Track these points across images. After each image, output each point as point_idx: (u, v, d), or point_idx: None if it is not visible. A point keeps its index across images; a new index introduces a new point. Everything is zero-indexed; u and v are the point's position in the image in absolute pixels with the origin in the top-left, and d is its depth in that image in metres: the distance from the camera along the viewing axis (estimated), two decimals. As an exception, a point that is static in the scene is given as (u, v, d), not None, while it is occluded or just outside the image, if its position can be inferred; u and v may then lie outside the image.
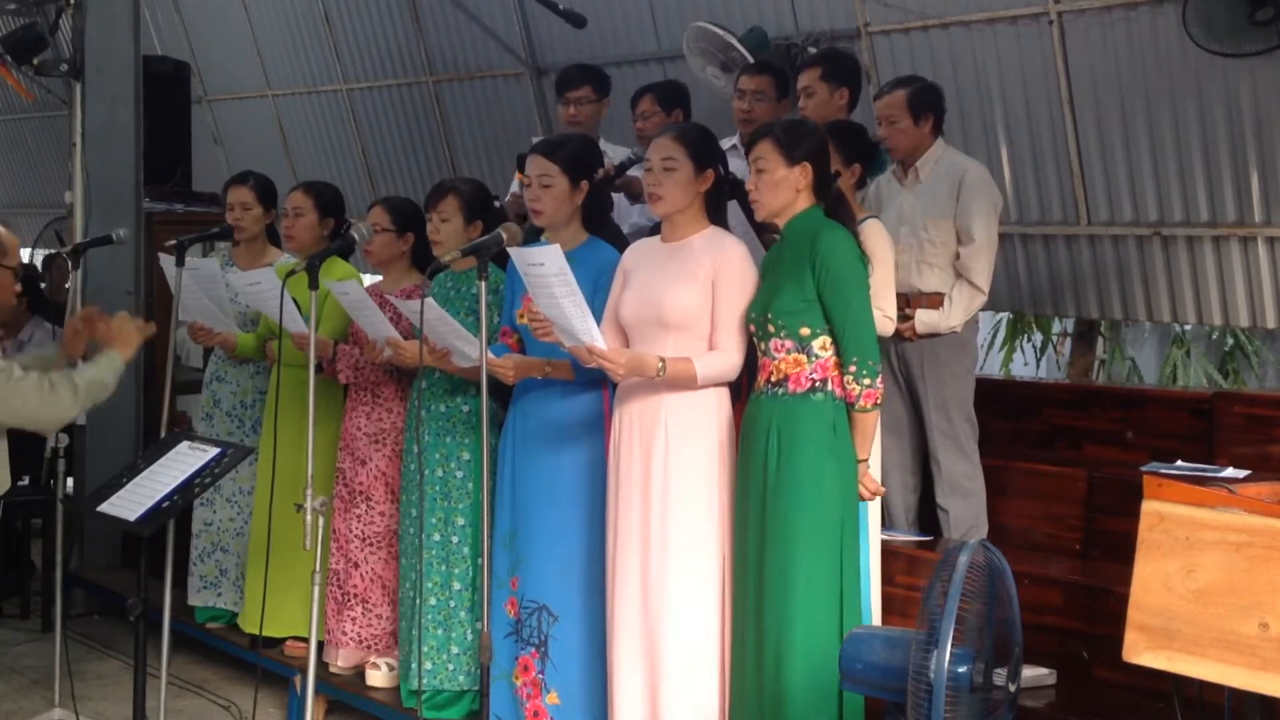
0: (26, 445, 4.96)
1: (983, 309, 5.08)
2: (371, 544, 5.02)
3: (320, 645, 4.70)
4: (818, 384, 3.84)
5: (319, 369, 4.42)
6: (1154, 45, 5.74)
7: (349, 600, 5.04)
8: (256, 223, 5.67)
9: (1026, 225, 6.41)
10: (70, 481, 6.19)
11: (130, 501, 4.23)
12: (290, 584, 5.02)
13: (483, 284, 3.74)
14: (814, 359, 3.83)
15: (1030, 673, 4.15)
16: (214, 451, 4.32)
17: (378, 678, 4.99)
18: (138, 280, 6.91)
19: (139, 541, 4.37)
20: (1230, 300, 5.94)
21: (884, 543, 4.50)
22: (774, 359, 3.87)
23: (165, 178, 8.01)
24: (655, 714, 3.97)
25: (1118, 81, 5.90)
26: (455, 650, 4.66)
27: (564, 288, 3.70)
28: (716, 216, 4.09)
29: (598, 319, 3.92)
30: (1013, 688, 3.37)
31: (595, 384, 4.25)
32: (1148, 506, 3.20)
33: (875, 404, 3.85)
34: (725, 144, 4.50)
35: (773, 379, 3.88)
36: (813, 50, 6.33)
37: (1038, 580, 4.51)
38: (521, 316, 4.23)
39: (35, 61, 6.80)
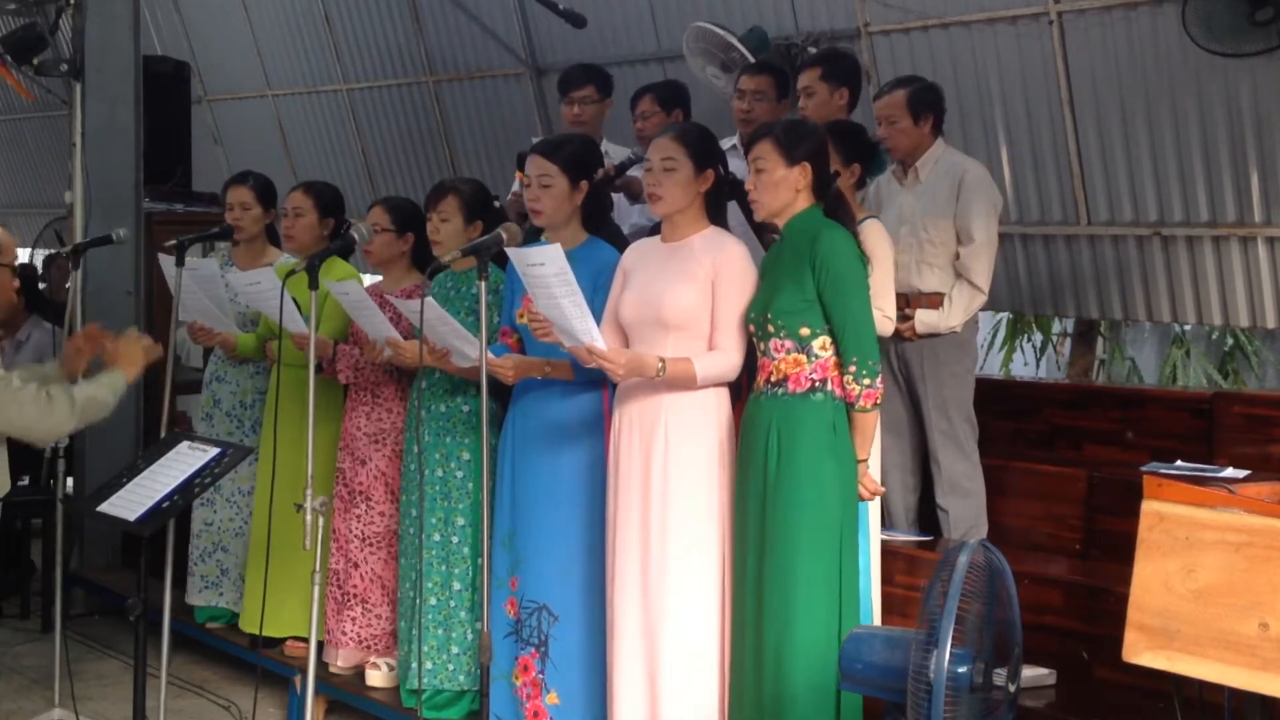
0: (27, 445, 4.96)
1: (983, 309, 5.08)
2: (371, 544, 5.02)
3: (320, 645, 4.70)
4: (818, 384, 3.83)
5: (319, 369, 4.42)
6: (1154, 45, 5.74)
7: (349, 600, 5.04)
8: (256, 223, 5.67)
9: (1026, 225, 6.41)
10: (70, 481, 6.19)
11: (130, 501, 4.22)
12: (290, 584, 5.02)
13: (483, 284, 3.74)
14: (814, 359, 3.83)
15: (1030, 673, 4.15)
16: (214, 451, 4.32)
17: (377, 678, 4.99)
18: (138, 280, 6.91)
19: (139, 541, 4.37)
20: (1230, 300, 5.94)
21: (884, 543, 4.50)
22: (774, 359, 3.87)
23: (165, 178, 8.01)
24: (655, 714, 3.97)
25: (1118, 81, 5.90)
26: (455, 650, 4.66)
27: (564, 288, 3.70)
28: (716, 217, 4.09)
29: (597, 319, 3.92)
30: (1013, 688, 3.37)
31: (595, 384, 4.25)
32: (1148, 506, 3.20)
33: (875, 404, 3.85)
34: (725, 144, 4.50)
35: (772, 379, 3.88)
36: (813, 50, 6.33)
37: (1038, 580, 4.51)
38: (521, 316, 4.23)
39: (35, 61, 6.80)
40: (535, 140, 4.82)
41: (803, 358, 3.83)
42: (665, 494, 3.96)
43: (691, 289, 3.96)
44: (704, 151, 4.03)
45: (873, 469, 4.06)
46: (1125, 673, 3.42)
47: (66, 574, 5.50)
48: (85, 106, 6.83)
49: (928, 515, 5.01)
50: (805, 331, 3.82)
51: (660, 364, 3.87)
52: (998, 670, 3.33)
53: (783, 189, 3.89)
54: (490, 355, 4.02)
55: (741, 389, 4.10)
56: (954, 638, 3.21)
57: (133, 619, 4.26)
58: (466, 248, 3.98)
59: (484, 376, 3.76)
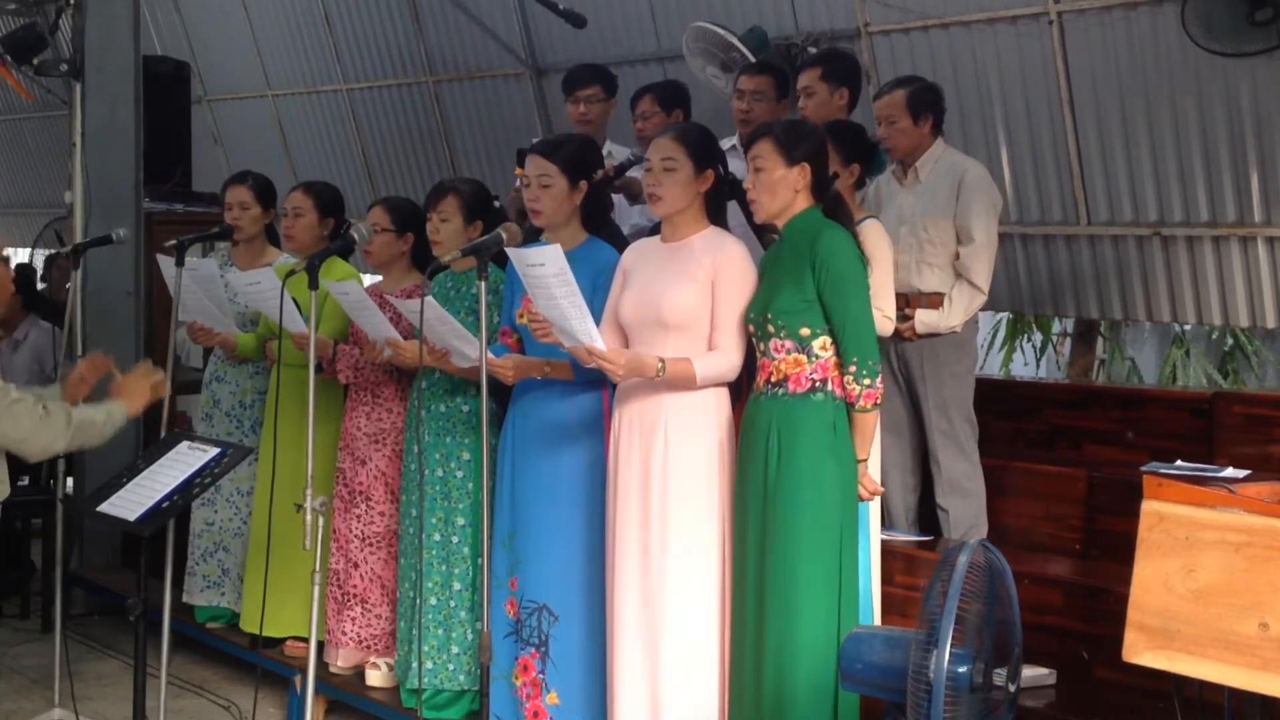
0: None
1: (983, 309, 5.08)
2: (371, 544, 5.02)
3: (320, 645, 4.70)
4: (818, 384, 3.83)
5: (319, 369, 4.42)
6: (1154, 45, 5.74)
7: (349, 600, 5.04)
8: (255, 223, 5.67)
9: (1026, 225, 6.41)
10: (70, 481, 6.20)
11: (130, 501, 4.22)
12: (290, 584, 5.02)
13: (482, 284, 3.74)
14: (814, 359, 3.83)
15: (1030, 673, 4.15)
16: (214, 451, 4.32)
17: (377, 678, 4.99)
18: (138, 280, 6.91)
19: (139, 541, 4.37)
20: (1230, 300, 5.94)
21: (884, 543, 4.49)
22: (773, 359, 3.87)
23: (165, 178, 8.01)
24: (655, 714, 3.97)
25: (1118, 81, 5.90)
26: (455, 650, 4.66)
27: (563, 288, 3.70)
28: (716, 217, 4.09)
29: (597, 319, 3.92)
30: (1013, 688, 3.37)
31: (595, 384, 4.25)
32: (1148, 506, 3.20)
33: (875, 404, 3.85)
34: (725, 144, 4.49)
35: (772, 379, 3.87)
36: (813, 50, 6.33)
37: (1038, 580, 4.51)
38: (521, 316, 4.23)
39: (35, 61, 6.79)
40: (535, 140, 4.82)
41: (803, 358, 3.83)
42: (665, 494, 3.96)
43: (691, 289, 3.96)
44: (704, 151, 4.03)
45: (872, 469, 4.06)
46: (1125, 673, 3.43)
47: (66, 574, 5.51)
48: (85, 106, 6.83)
49: (928, 515, 5.01)
50: (805, 332, 3.82)
51: (660, 364, 3.86)
52: (998, 670, 3.33)
53: (782, 189, 3.88)
54: (490, 355, 4.02)
55: (741, 389, 4.09)
56: (954, 638, 3.22)
57: (133, 619, 4.26)
58: (466, 248, 3.98)
59: (484, 376, 3.76)
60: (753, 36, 6.44)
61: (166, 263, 5.08)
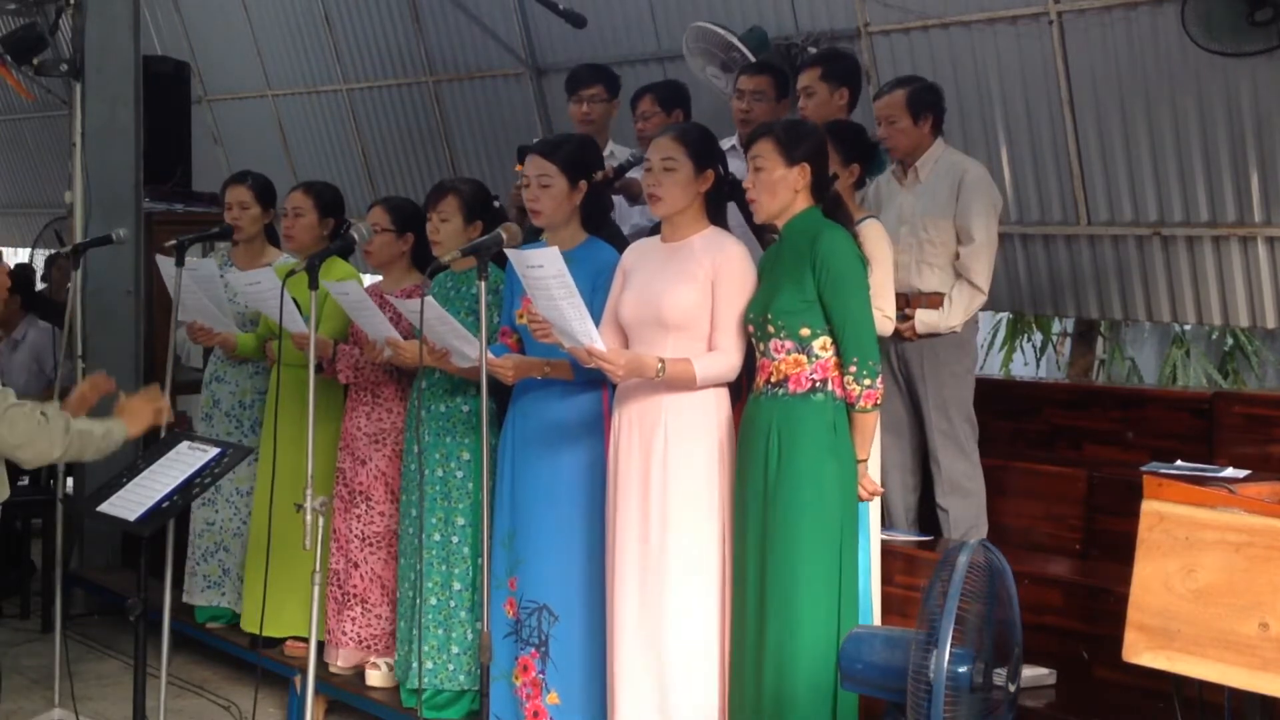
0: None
1: (983, 309, 5.08)
2: (371, 544, 5.02)
3: (320, 645, 4.70)
4: (818, 384, 3.83)
5: (319, 369, 4.42)
6: (1154, 45, 5.74)
7: (349, 600, 5.04)
8: (255, 222, 5.66)
9: (1026, 225, 6.41)
10: (70, 481, 6.20)
11: (130, 501, 4.22)
12: (290, 584, 5.02)
13: (482, 284, 3.74)
14: (814, 359, 3.83)
15: (1030, 673, 4.15)
16: (214, 451, 4.32)
17: (377, 678, 4.99)
18: (138, 280, 6.91)
19: (139, 541, 4.36)
20: (1230, 300, 5.94)
21: (884, 543, 4.50)
22: (773, 359, 3.87)
23: (165, 178, 8.01)
24: (655, 714, 3.97)
25: (1118, 81, 5.90)
26: (455, 650, 4.66)
27: (562, 290, 3.70)
28: (716, 217, 4.09)
29: (596, 319, 3.91)
30: (1013, 688, 3.37)
31: (595, 384, 4.25)
32: (1148, 506, 3.20)
33: (875, 404, 3.85)
34: (725, 144, 4.49)
35: (772, 379, 3.87)
36: (813, 50, 6.33)
37: (1038, 580, 4.51)
38: (521, 317, 4.22)
39: (35, 61, 6.79)
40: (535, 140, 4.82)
41: (803, 358, 3.83)
42: (665, 494, 3.96)
43: (691, 289, 3.96)
44: (704, 152, 4.03)
45: (872, 469, 4.06)
46: (1125, 673, 3.43)
47: (66, 574, 5.51)
48: (85, 106, 6.83)
49: (928, 515, 5.01)
50: (805, 332, 3.82)
51: (660, 364, 3.86)
52: (998, 670, 3.33)
53: (782, 189, 3.88)
54: (490, 355, 4.01)
55: (741, 389, 4.09)
56: (954, 638, 3.22)
57: (133, 619, 4.26)
58: (466, 248, 3.97)
59: (484, 376, 3.76)
60: (753, 36, 6.44)
61: (166, 263, 5.08)
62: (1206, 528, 3.09)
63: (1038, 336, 11.62)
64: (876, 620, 4.29)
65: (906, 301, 4.87)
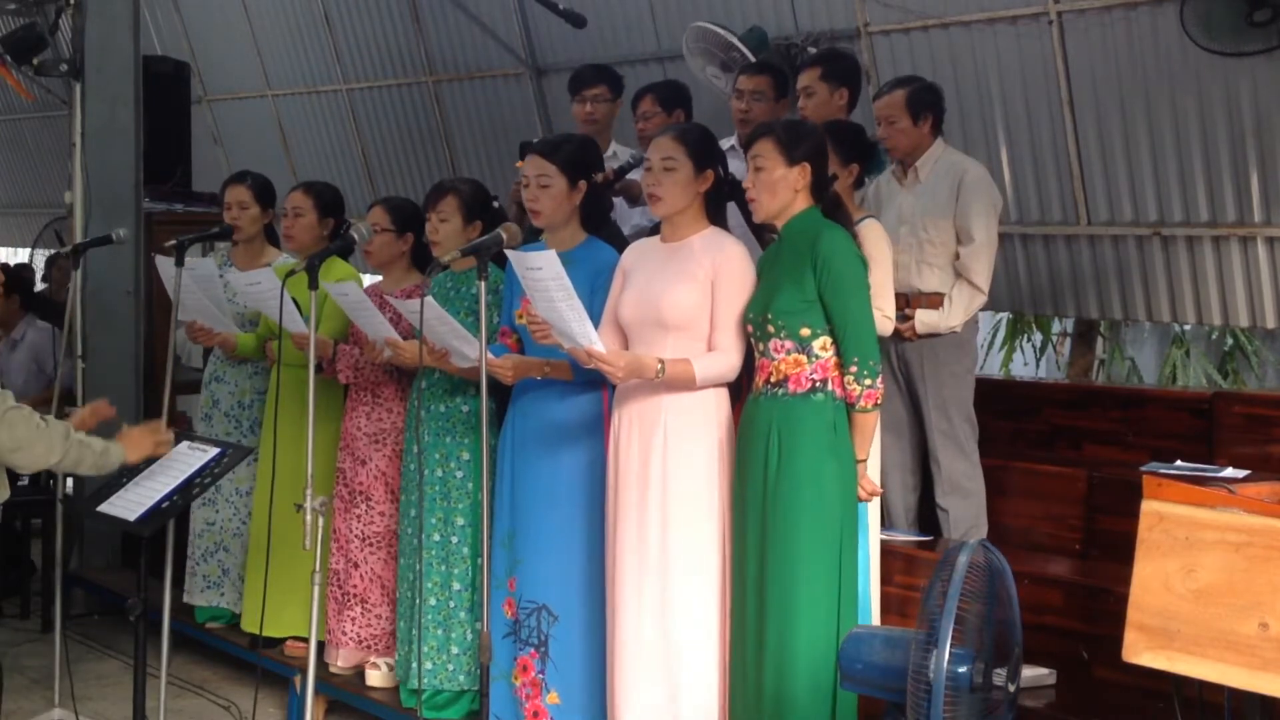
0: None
1: (983, 309, 5.08)
2: (371, 544, 5.02)
3: (320, 645, 4.70)
4: (818, 384, 3.83)
5: (319, 369, 4.41)
6: (1154, 45, 5.74)
7: (349, 600, 5.04)
8: (254, 222, 5.66)
9: (1026, 225, 6.41)
10: (70, 481, 6.20)
11: (130, 501, 4.22)
12: (290, 584, 5.02)
13: (482, 284, 3.74)
14: (814, 359, 3.83)
15: (1030, 673, 4.15)
16: (214, 451, 4.32)
17: (377, 678, 4.99)
18: (138, 280, 6.91)
19: (139, 541, 4.37)
20: (1230, 300, 5.94)
21: (884, 543, 4.50)
22: (773, 359, 3.86)
23: (165, 178, 8.01)
24: (656, 714, 3.96)
25: (1118, 81, 5.90)
26: (455, 650, 4.66)
27: (561, 292, 3.69)
28: (716, 217, 4.09)
29: (596, 320, 3.91)
30: (1012, 688, 3.37)
31: (594, 384, 4.24)
32: (1147, 506, 3.20)
33: (875, 404, 3.85)
34: (724, 144, 4.49)
35: (772, 379, 3.87)
36: (812, 50, 6.34)
37: (1038, 580, 4.51)
38: (520, 317, 4.22)
39: (35, 61, 6.79)
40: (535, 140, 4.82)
41: (803, 358, 3.83)
42: (665, 494, 3.96)
43: (691, 289, 3.96)
44: (704, 152, 4.03)
45: (872, 469, 4.06)
46: (1125, 673, 3.42)
47: (66, 574, 5.51)
48: (85, 106, 6.83)
49: (928, 515, 5.01)
50: (806, 332, 3.82)
51: (659, 365, 3.86)
52: (998, 670, 3.33)
53: (782, 189, 3.88)
54: (489, 355, 4.01)
55: (741, 389, 4.09)
56: (954, 638, 3.21)
57: (133, 619, 4.26)
58: (466, 248, 3.97)
59: (484, 377, 3.76)
60: (753, 36, 6.45)
61: (165, 263, 5.08)
62: (1206, 528, 3.09)
63: (1038, 336, 11.63)
64: (876, 620, 4.28)
65: (906, 301, 4.87)
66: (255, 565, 5.31)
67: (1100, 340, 11.03)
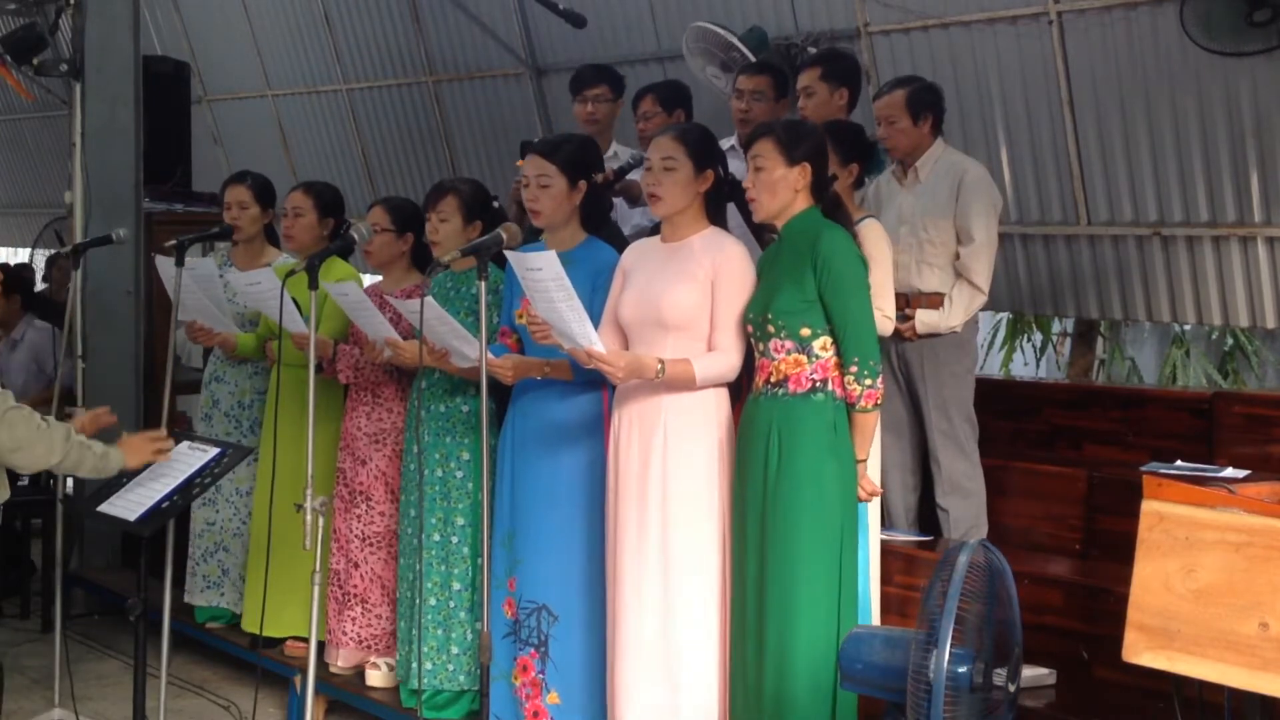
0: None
1: (983, 309, 5.08)
2: (372, 544, 5.02)
3: (320, 645, 4.70)
4: (818, 384, 3.83)
5: (319, 369, 4.41)
6: (1154, 45, 5.74)
7: (349, 600, 5.04)
8: (254, 222, 5.66)
9: (1026, 225, 6.42)
10: (70, 482, 6.20)
11: (130, 501, 4.22)
12: (291, 584, 5.02)
13: (482, 284, 3.74)
14: (814, 359, 3.83)
15: (1030, 673, 4.15)
16: (214, 451, 4.32)
17: (377, 678, 4.99)
18: (138, 280, 6.91)
19: (139, 541, 4.37)
20: (1230, 300, 5.94)
21: (884, 543, 4.50)
22: (773, 359, 3.86)
23: (165, 178, 8.01)
24: (656, 714, 3.96)
25: (1118, 81, 5.90)
26: (455, 650, 4.66)
27: (561, 293, 3.69)
28: (716, 217, 4.09)
29: (596, 320, 3.91)
30: (1012, 688, 3.37)
31: (594, 384, 4.24)
32: (1148, 506, 3.20)
33: (876, 404, 3.85)
34: (724, 144, 4.49)
35: (772, 379, 3.87)
36: (812, 50, 6.34)
37: (1038, 580, 4.51)
38: (520, 317, 4.22)
39: (35, 61, 6.79)
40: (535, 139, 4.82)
41: (803, 358, 3.83)
42: (665, 494, 3.96)
43: (691, 289, 3.96)
44: (704, 151, 4.03)
45: (872, 469, 4.06)
46: (1125, 673, 3.42)
47: (66, 574, 5.50)
48: (85, 106, 6.83)
49: (928, 515, 5.01)
50: (806, 332, 3.82)
51: (659, 365, 3.86)
52: (998, 670, 3.33)
53: (782, 189, 3.88)
54: (489, 355, 4.01)
55: (741, 389, 4.09)
56: (954, 638, 3.21)
57: (133, 619, 4.26)
58: (466, 248, 3.97)
59: (484, 377, 3.76)
60: (753, 36, 6.45)
61: (165, 263, 5.08)
62: (1206, 528, 3.09)
63: (1038, 336, 11.63)
64: (876, 620, 4.29)
65: (907, 301, 4.87)
66: (255, 565, 5.31)
67: (1100, 340, 11.03)
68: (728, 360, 3.96)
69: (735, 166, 4.47)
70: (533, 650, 4.30)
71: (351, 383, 5.05)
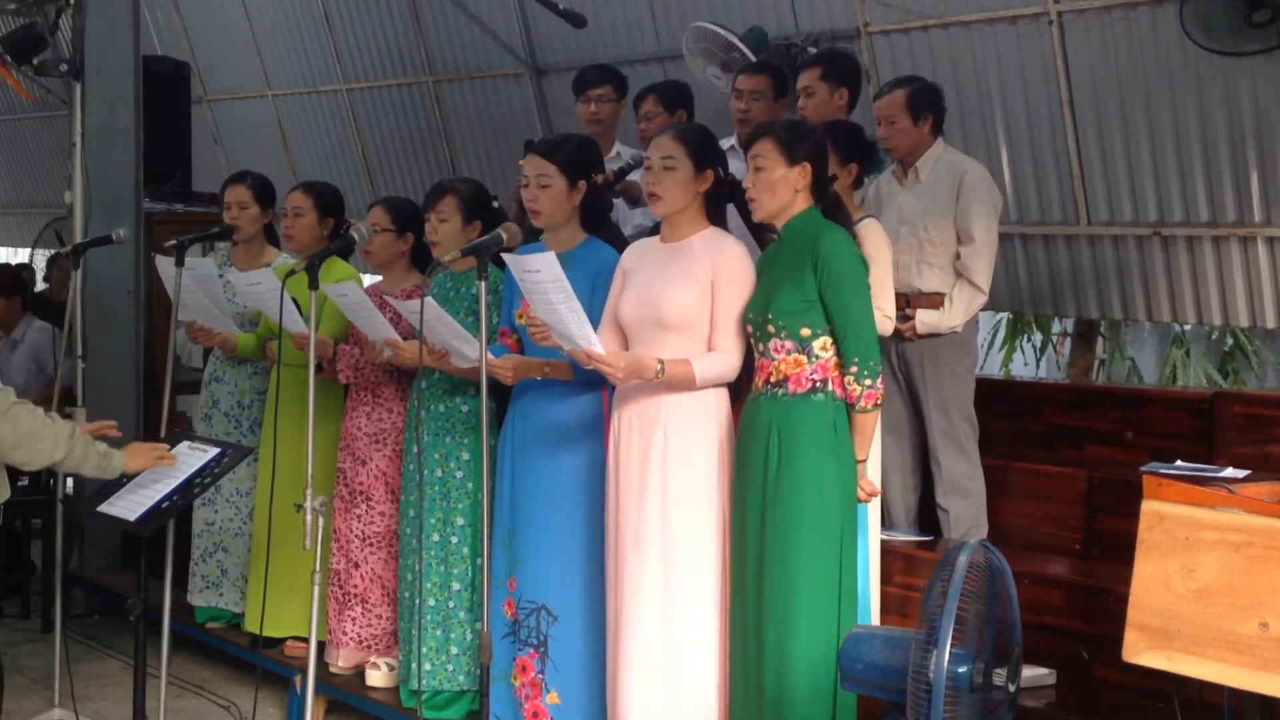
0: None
1: (983, 309, 5.08)
2: (372, 544, 5.02)
3: (320, 645, 4.70)
4: (818, 384, 3.83)
5: (319, 369, 4.42)
6: (1154, 45, 5.74)
7: (349, 600, 5.04)
8: (254, 222, 5.66)
9: (1026, 225, 6.42)
10: (70, 481, 6.20)
11: (130, 501, 4.22)
12: (291, 584, 5.02)
13: (482, 284, 3.74)
14: (814, 359, 3.83)
15: (1030, 673, 4.15)
16: (214, 451, 4.32)
17: (377, 678, 4.99)
18: (138, 280, 6.91)
19: (139, 541, 4.36)
20: (1230, 300, 5.94)
21: (884, 543, 4.50)
22: (773, 360, 3.86)
23: (165, 178, 8.01)
24: (656, 714, 3.97)
25: (1118, 81, 5.90)
26: (454, 650, 4.66)
27: (560, 294, 3.69)
28: (716, 217, 4.09)
29: (595, 320, 3.91)
30: (1012, 688, 3.37)
31: (594, 385, 4.24)
32: (1148, 506, 3.20)
33: (876, 404, 3.85)
34: (724, 144, 4.49)
35: (772, 379, 3.87)
36: (812, 50, 6.34)
37: (1038, 580, 4.51)
38: (520, 317, 4.22)
39: (35, 61, 6.79)
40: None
41: (803, 358, 3.83)
42: (665, 494, 3.96)
43: (691, 289, 3.96)
44: (704, 151, 4.03)
45: (872, 469, 4.06)
46: (1125, 673, 3.42)
47: (66, 574, 5.50)
48: (85, 106, 6.83)
49: (928, 515, 5.01)
50: (806, 332, 3.82)
51: (659, 366, 3.86)
52: (998, 670, 3.33)
53: (782, 188, 3.88)
54: (489, 355, 4.01)
55: (741, 389, 4.09)
56: (954, 638, 3.21)
57: (133, 619, 4.26)
58: (466, 248, 3.97)
59: (484, 377, 3.76)
60: (753, 36, 6.45)
61: (165, 263, 5.08)
62: (1206, 528, 3.09)
63: (1038, 336, 11.63)
64: (876, 620, 4.29)
65: (907, 301, 4.87)
66: (256, 565, 5.32)
67: (1100, 340, 11.03)
68: (727, 360, 3.96)
69: (735, 166, 4.47)
70: (532, 650, 4.30)
71: (351, 383, 5.05)
